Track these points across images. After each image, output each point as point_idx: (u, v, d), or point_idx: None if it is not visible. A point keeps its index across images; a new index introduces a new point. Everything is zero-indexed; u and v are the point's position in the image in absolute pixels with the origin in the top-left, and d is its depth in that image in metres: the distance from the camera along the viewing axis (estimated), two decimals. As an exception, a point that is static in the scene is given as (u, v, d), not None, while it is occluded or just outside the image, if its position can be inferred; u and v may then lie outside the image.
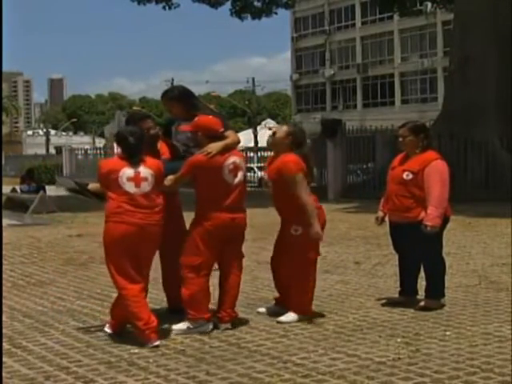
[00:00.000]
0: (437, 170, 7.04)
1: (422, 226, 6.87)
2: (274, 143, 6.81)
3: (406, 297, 7.25)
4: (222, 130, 6.38)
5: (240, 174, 6.43)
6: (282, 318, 6.62)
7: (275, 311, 6.86)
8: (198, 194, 6.39)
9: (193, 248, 6.29)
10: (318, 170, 26.59)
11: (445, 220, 7.09)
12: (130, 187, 6.05)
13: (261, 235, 12.21)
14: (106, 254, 6.17)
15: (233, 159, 6.38)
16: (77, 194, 7.01)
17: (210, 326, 6.31)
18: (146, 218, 6.04)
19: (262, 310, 7.02)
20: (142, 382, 5.11)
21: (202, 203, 6.34)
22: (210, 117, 6.49)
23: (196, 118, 6.48)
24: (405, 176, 7.08)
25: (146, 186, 6.09)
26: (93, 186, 6.64)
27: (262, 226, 12.82)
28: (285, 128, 6.84)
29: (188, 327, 6.29)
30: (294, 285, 6.70)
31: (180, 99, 6.83)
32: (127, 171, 6.07)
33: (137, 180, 6.07)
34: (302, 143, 6.77)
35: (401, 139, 7.21)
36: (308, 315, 6.70)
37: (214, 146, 6.30)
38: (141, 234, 6.01)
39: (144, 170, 6.10)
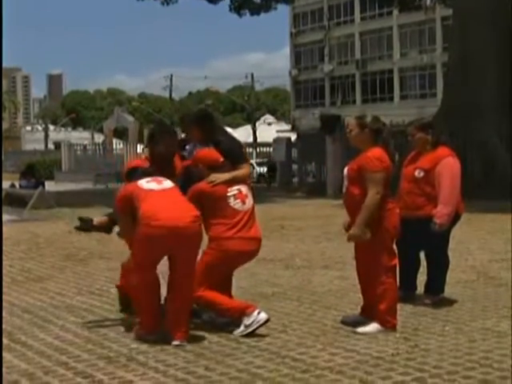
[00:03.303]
0: (447, 168, 7.04)
1: (431, 224, 6.87)
2: (353, 141, 6.32)
3: (405, 292, 7.24)
4: (221, 160, 6.34)
5: (248, 201, 6.35)
6: (360, 329, 6.12)
7: (359, 320, 6.31)
8: (208, 223, 6.26)
9: (206, 273, 6.17)
10: (317, 165, 26.65)
11: (456, 217, 7.11)
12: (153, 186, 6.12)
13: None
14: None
15: (237, 186, 6.32)
16: (83, 231, 7.17)
17: (255, 312, 6.11)
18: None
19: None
20: (141, 377, 5.11)
21: (213, 232, 6.24)
22: (207, 149, 6.45)
23: (194, 152, 6.52)
24: (416, 174, 7.08)
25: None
26: (98, 219, 6.75)
27: (259, 222, 12.82)
28: (354, 121, 6.33)
29: (245, 326, 6.09)
30: (371, 292, 6.24)
31: (198, 124, 6.68)
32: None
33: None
34: (380, 130, 6.27)
35: (410, 138, 7.22)
36: (387, 327, 6.11)
37: (220, 177, 6.26)
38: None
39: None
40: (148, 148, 6.62)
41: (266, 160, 35.74)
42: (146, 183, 6.10)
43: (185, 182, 6.34)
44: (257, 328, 6.07)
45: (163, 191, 6.06)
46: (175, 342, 5.83)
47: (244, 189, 6.37)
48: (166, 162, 6.37)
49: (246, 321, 6.09)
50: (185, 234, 5.83)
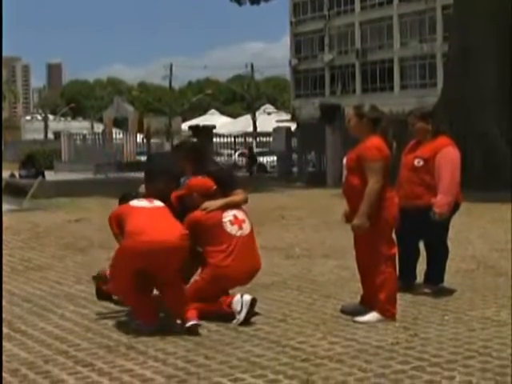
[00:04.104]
0: (447, 157, 7.03)
1: (430, 213, 6.87)
2: (352, 131, 6.33)
3: (404, 281, 7.25)
4: (214, 188, 6.41)
5: (245, 226, 6.37)
6: (359, 318, 6.13)
7: (358, 310, 6.33)
8: (206, 250, 6.30)
9: (197, 295, 6.19)
10: (317, 155, 26.63)
11: (455, 206, 7.11)
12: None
13: (257, 220, 12.20)
14: None
15: (232, 212, 6.35)
16: None
17: (237, 297, 6.20)
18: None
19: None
20: (141, 365, 5.12)
21: (212, 259, 6.24)
22: (200, 177, 6.50)
23: (187, 181, 6.57)
24: (416, 163, 7.07)
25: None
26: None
27: (257, 210, 12.81)
28: (352, 112, 6.34)
29: (238, 312, 6.15)
30: (371, 282, 6.21)
31: (189, 158, 6.77)
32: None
33: None
34: (378, 119, 6.26)
35: (410, 127, 7.23)
36: (387, 316, 6.11)
37: (213, 204, 6.31)
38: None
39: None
40: (145, 186, 6.70)
41: (242, 151, 35.59)
42: (137, 202, 6.22)
43: (180, 212, 6.38)
44: (249, 310, 6.11)
45: (153, 209, 6.13)
46: (192, 322, 5.81)
47: (240, 214, 6.41)
48: (164, 199, 6.37)
49: (236, 307, 6.15)
50: (172, 252, 5.84)
